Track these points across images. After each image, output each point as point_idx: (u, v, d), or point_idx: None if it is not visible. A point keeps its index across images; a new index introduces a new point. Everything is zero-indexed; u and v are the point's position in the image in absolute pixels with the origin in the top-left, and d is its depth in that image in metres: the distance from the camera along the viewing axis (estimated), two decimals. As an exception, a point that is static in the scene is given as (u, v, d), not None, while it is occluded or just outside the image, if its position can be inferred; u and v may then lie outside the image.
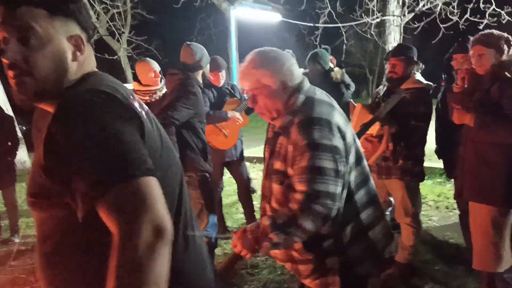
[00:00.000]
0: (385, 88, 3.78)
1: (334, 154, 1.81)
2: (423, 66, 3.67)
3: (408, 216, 3.70)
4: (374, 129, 3.39)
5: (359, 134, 3.38)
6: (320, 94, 2.02)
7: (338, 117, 1.91)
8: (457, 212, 5.26)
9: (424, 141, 3.66)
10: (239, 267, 4.06)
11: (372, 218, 2.02)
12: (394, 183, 3.66)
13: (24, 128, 5.80)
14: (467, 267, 3.34)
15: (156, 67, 4.20)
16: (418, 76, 3.67)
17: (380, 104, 3.66)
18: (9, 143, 5.28)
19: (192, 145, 3.44)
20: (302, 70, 7.02)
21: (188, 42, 3.66)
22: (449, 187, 6.08)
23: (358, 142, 2.06)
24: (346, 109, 4.33)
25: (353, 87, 7.42)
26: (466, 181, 3.13)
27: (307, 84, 2.02)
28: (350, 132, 1.96)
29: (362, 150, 2.08)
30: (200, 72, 3.63)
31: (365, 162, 2.07)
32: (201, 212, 3.44)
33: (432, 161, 7.21)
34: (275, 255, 2.11)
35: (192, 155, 3.43)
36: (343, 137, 1.87)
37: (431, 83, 3.72)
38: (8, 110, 8.56)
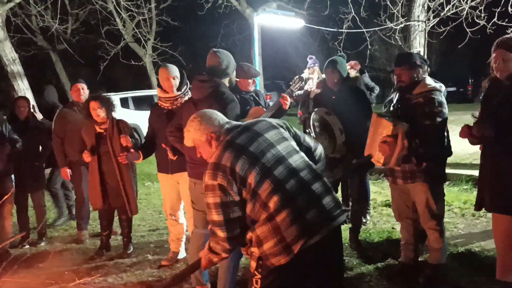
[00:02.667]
0: (397, 96, 3.78)
1: (218, 190, 2.35)
2: (428, 69, 3.68)
3: (434, 219, 3.69)
4: (389, 129, 3.39)
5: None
6: (237, 130, 2.51)
7: (231, 154, 2.38)
8: (484, 220, 5.19)
9: (443, 142, 3.63)
10: None
11: (304, 203, 2.34)
12: (419, 186, 3.65)
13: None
14: (492, 277, 3.27)
15: (173, 72, 4.18)
16: (428, 79, 3.66)
17: (396, 113, 3.67)
18: (40, 149, 5.44)
19: None
20: (324, 76, 7.01)
21: (215, 49, 3.66)
22: (475, 194, 5.94)
23: (281, 146, 2.47)
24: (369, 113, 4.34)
25: (377, 89, 7.31)
26: (487, 192, 3.10)
27: (226, 126, 2.55)
28: (255, 149, 2.40)
29: (288, 149, 2.48)
30: (227, 79, 3.65)
31: (293, 158, 2.45)
32: None
33: (458, 168, 7.11)
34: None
35: None
36: (232, 171, 2.34)
37: (442, 85, 3.70)
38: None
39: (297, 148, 2.56)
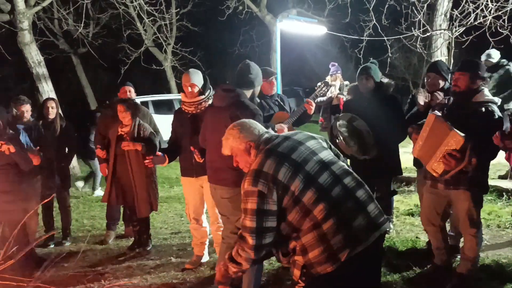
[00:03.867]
0: (451, 101, 3.73)
1: (256, 197, 2.34)
2: (489, 81, 3.63)
3: (474, 227, 3.67)
4: (459, 143, 3.30)
5: None
6: (277, 139, 2.53)
7: (273, 161, 2.38)
8: (510, 231, 5.12)
9: (496, 154, 3.61)
10: None
11: (350, 211, 2.35)
12: (462, 194, 3.63)
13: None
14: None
15: (193, 79, 4.21)
16: (486, 91, 3.63)
17: (451, 114, 3.59)
18: (67, 150, 5.51)
19: None
20: (347, 82, 6.99)
21: (247, 61, 3.80)
22: (500, 205, 5.89)
23: (323, 154, 2.48)
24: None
25: None
26: None
27: (265, 136, 2.58)
28: (298, 157, 2.41)
29: (329, 157, 2.50)
30: (251, 91, 3.74)
31: (336, 166, 2.46)
32: None
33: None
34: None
35: None
36: (274, 179, 2.34)
37: (500, 99, 3.67)
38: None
39: (336, 157, 2.57)
